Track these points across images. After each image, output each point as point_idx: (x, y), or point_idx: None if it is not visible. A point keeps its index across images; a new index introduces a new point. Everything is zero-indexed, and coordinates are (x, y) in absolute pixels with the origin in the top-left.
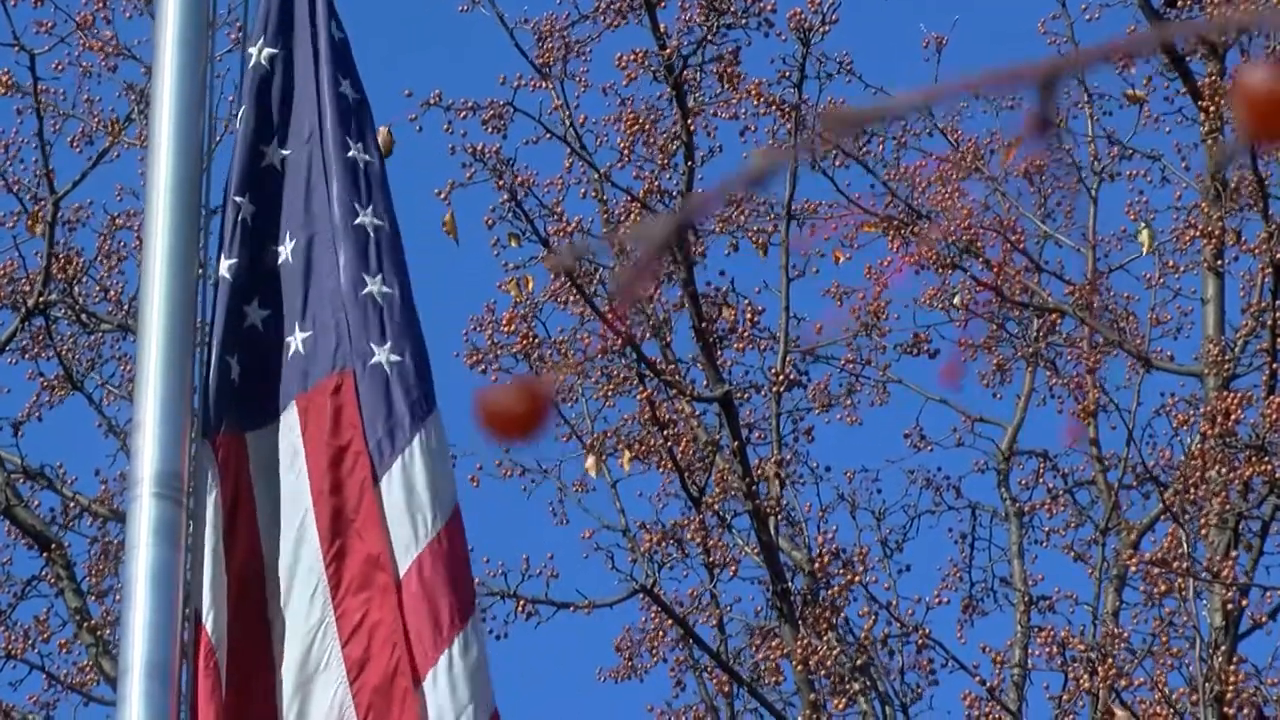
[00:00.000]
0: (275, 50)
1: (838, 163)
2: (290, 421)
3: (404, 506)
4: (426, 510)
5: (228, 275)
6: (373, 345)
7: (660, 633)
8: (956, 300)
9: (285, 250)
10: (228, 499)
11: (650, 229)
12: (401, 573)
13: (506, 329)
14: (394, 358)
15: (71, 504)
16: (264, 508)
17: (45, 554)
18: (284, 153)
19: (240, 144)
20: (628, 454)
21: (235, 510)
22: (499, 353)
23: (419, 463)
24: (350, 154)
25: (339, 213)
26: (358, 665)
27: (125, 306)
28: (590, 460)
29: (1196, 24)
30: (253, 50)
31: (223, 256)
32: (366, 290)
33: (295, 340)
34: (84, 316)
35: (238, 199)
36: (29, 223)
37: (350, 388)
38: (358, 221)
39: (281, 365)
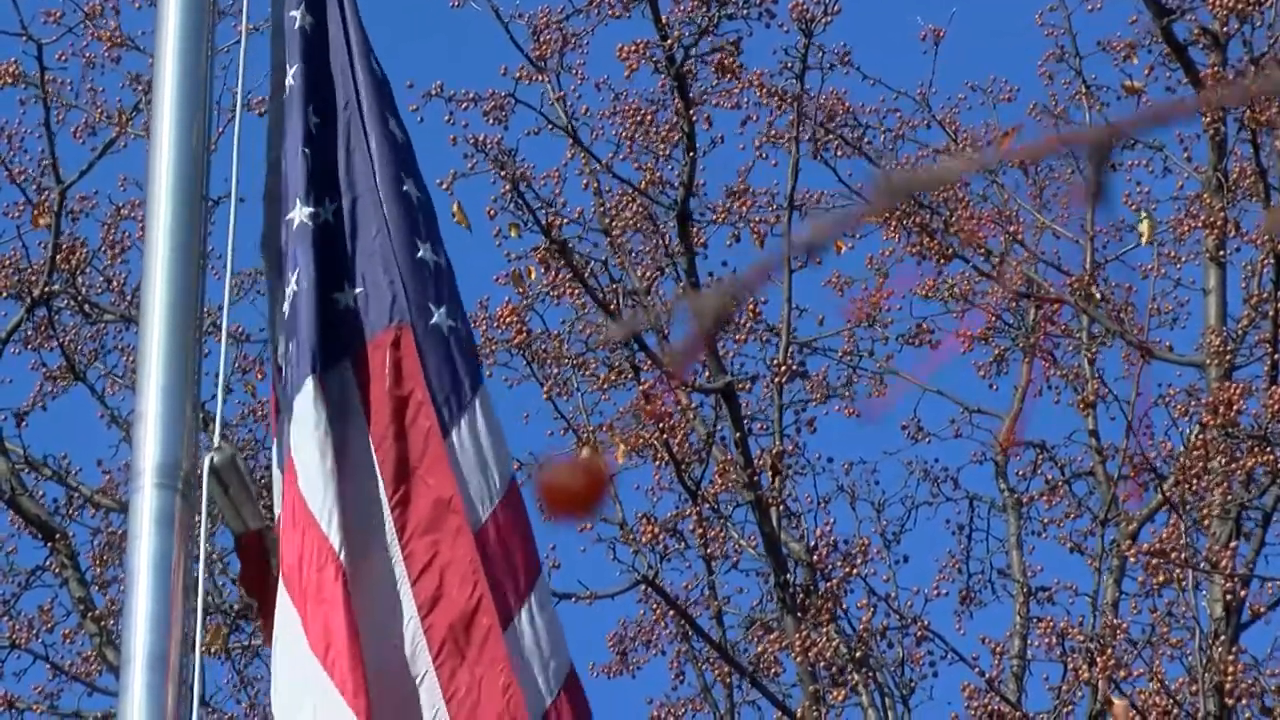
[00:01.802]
0: (311, 18)
1: (839, 154)
2: (345, 376)
3: (475, 461)
4: (494, 470)
5: (309, 222)
6: (430, 305)
7: (662, 623)
8: (945, 285)
9: (326, 212)
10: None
11: (703, 302)
12: (481, 520)
13: (505, 322)
14: (450, 322)
15: (75, 494)
16: (306, 457)
17: (49, 544)
18: (315, 120)
19: (295, 101)
20: (622, 447)
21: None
22: (494, 348)
23: (481, 424)
24: (390, 127)
25: (385, 177)
26: (429, 603)
27: (128, 297)
28: (585, 453)
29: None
30: (295, 13)
31: (298, 203)
32: (420, 255)
33: (346, 297)
34: (87, 307)
35: (306, 150)
36: (35, 214)
37: (410, 341)
38: (405, 189)
39: (321, 321)
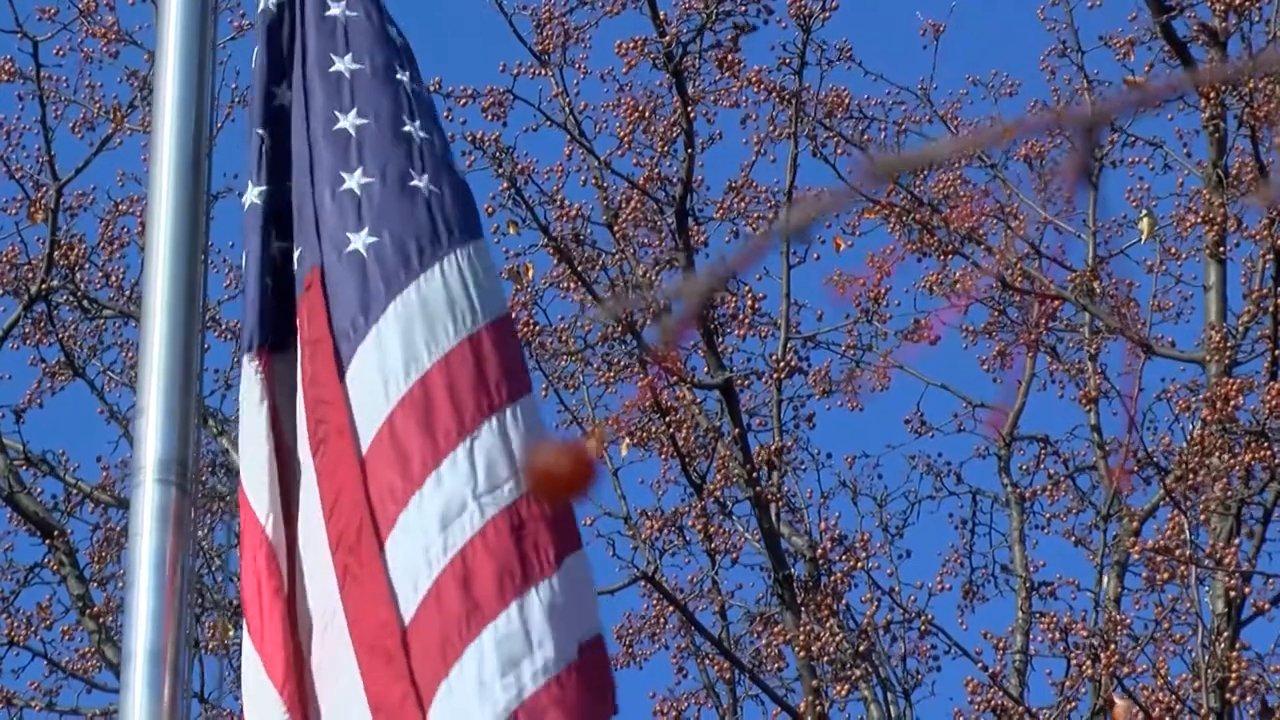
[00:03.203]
0: None
1: (839, 150)
2: (294, 343)
3: (377, 373)
4: (400, 368)
5: (259, 202)
6: (349, 235)
7: (662, 619)
8: (957, 286)
9: (288, 191)
10: (273, 409)
11: (691, 285)
12: (366, 445)
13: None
14: (370, 239)
15: (73, 491)
16: (287, 426)
17: (47, 541)
18: (290, 94)
19: (256, 82)
20: (627, 441)
21: (275, 422)
22: None
23: (394, 328)
24: (334, 69)
25: (318, 128)
26: (337, 537)
27: (127, 292)
28: (590, 445)
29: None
30: None
31: (250, 184)
32: (344, 187)
33: (293, 267)
34: (85, 303)
35: (260, 131)
36: (31, 209)
37: (318, 282)
38: (336, 128)
39: (272, 299)
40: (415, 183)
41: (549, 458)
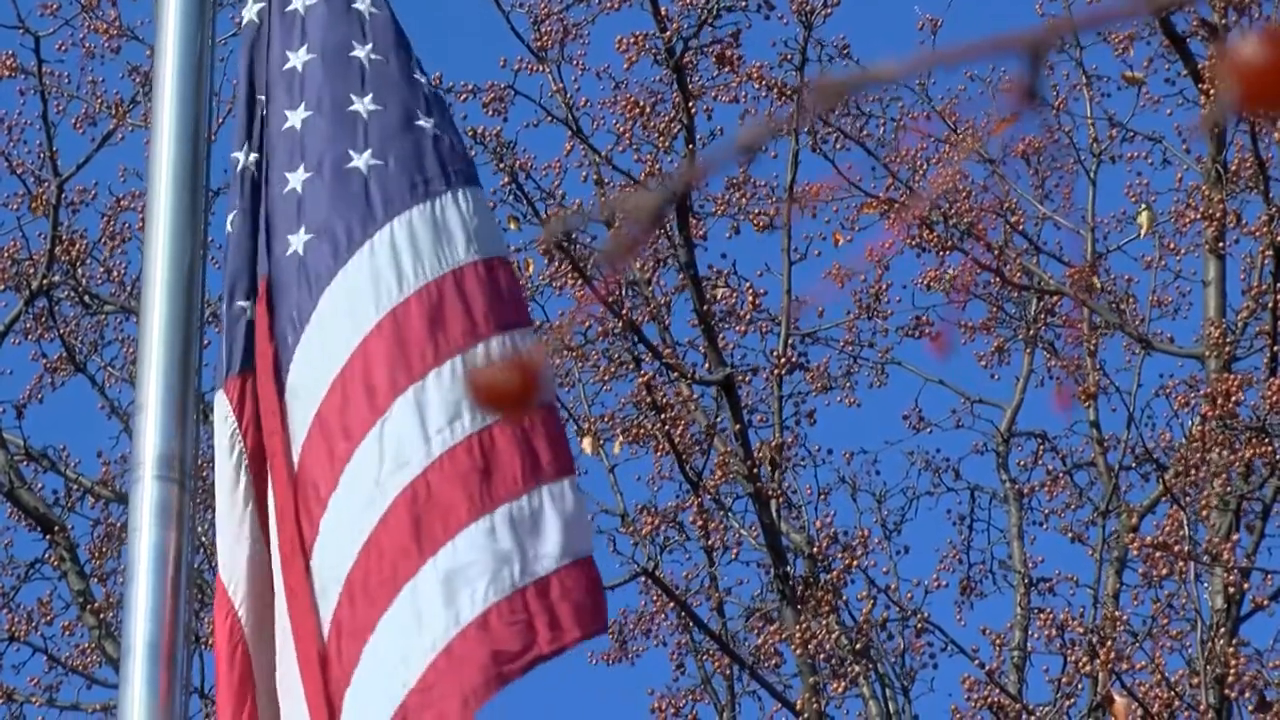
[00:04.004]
0: (262, 4)
1: (838, 145)
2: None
3: (309, 376)
4: (325, 367)
5: (230, 229)
6: (289, 237)
7: (662, 615)
8: (946, 278)
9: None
10: (249, 436)
11: (640, 200)
12: (297, 453)
13: None
14: (306, 237)
15: (74, 486)
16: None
17: (48, 536)
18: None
19: (239, 100)
20: (620, 439)
21: (257, 448)
22: None
23: (323, 324)
24: (288, 66)
25: (274, 130)
26: (283, 551)
27: (128, 288)
28: (586, 442)
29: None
30: (245, 11)
31: (229, 211)
32: (288, 188)
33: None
34: (87, 298)
35: (236, 154)
36: (32, 204)
37: (264, 292)
38: (285, 127)
39: (240, 331)
40: (354, 164)
41: (495, 369)
